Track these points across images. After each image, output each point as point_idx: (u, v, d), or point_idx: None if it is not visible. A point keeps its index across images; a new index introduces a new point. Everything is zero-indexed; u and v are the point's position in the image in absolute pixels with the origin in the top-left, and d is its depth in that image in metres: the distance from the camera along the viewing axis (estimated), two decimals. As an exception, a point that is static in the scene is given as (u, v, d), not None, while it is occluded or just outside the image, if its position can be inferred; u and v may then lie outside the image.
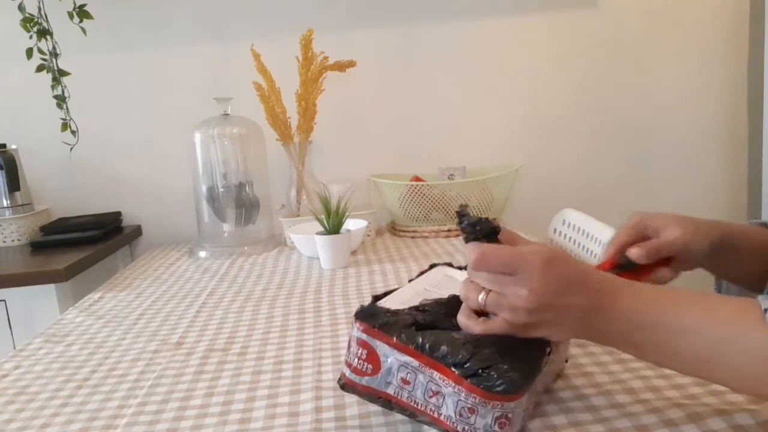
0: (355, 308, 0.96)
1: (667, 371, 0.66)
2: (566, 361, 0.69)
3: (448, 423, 0.53)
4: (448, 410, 0.54)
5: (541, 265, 0.53)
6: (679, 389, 0.62)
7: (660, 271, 0.68)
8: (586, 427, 0.56)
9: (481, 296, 0.55)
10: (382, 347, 0.57)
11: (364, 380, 0.58)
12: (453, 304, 0.61)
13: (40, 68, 1.48)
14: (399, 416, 0.61)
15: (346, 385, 0.60)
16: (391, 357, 0.57)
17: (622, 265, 0.67)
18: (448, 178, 1.52)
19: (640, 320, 0.53)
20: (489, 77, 1.67)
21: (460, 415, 0.53)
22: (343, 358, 0.61)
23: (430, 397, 0.55)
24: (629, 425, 0.56)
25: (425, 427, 0.58)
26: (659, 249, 0.67)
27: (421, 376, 0.55)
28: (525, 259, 0.53)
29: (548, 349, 0.58)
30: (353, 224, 1.33)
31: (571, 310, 0.53)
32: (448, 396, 0.53)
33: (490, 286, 0.55)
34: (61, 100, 1.51)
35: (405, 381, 0.56)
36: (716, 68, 1.68)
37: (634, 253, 0.67)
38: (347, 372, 0.59)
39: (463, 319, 0.57)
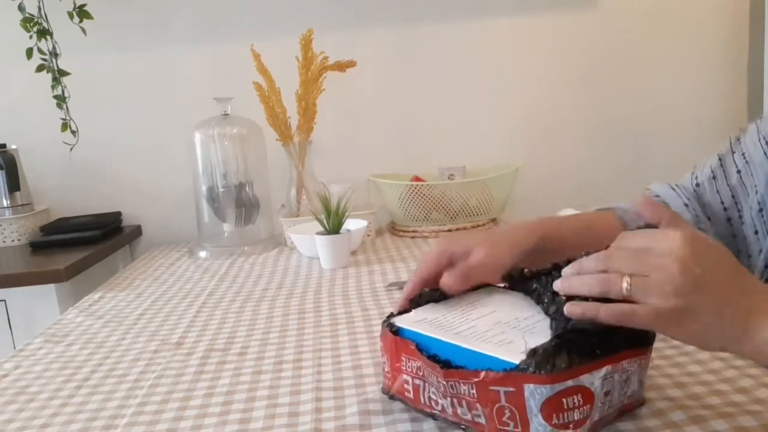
0: (354, 308, 0.96)
1: (669, 371, 0.66)
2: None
3: None
4: None
5: (684, 235, 0.48)
6: (681, 389, 0.62)
7: None
8: (587, 427, 0.56)
9: (625, 283, 0.48)
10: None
11: None
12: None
13: (40, 68, 1.48)
14: (399, 416, 0.61)
15: None
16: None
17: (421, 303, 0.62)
18: (448, 178, 1.52)
19: None
20: (489, 77, 1.67)
21: None
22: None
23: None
24: (633, 428, 0.56)
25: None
26: (468, 273, 0.63)
27: None
28: (664, 232, 0.49)
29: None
30: (353, 224, 1.33)
31: (730, 302, 0.47)
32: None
33: (633, 263, 0.49)
34: (61, 100, 1.50)
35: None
36: (716, 68, 1.68)
37: (445, 280, 0.62)
38: None
39: (612, 310, 0.49)
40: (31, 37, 1.48)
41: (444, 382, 0.53)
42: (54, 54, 1.49)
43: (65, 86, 1.51)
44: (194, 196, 1.48)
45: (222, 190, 1.45)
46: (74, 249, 1.39)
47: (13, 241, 1.52)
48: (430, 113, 1.67)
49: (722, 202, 0.79)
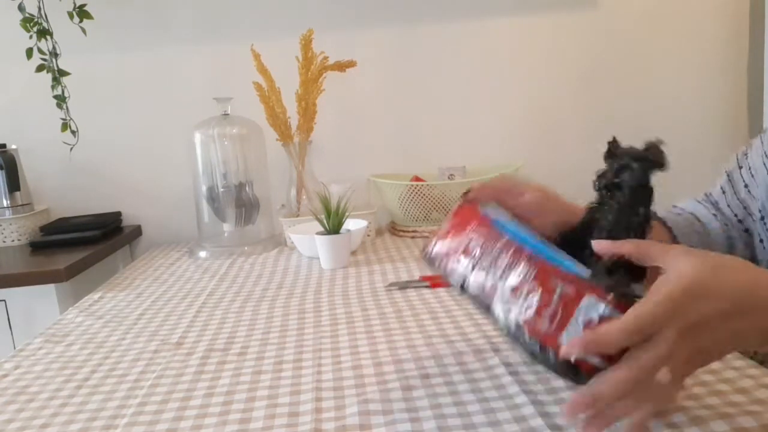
0: (354, 308, 0.96)
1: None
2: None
3: None
4: None
5: (684, 288, 0.46)
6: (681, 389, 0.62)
7: None
8: (587, 427, 0.56)
9: (664, 373, 0.45)
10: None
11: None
12: None
13: (40, 68, 1.48)
14: (399, 416, 0.61)
15: None
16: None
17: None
18: (448, 178, 1.52)
19: None
20: (489, 77, 1.67)
21: None
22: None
23: None
24: (630, 425, 0.56)
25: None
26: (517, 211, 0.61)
27: None
28: (656, 307, 0.45)
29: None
30: (353, 224, 1.33)
31: (744, 334, 0.47)
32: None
33: (674, 344, 0.45)
34: (61, 100, 1.50)
35: None
36: (716, 68, 1.68)
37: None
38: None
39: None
40: (31, 37, 1.48)
41: (506, 254, 0.53)
42: (54, 54, 1.49)
43: (65, 86, 1.51)
44: (194, 196, 1.48)
45: (222, 190, 1.45)
46: (74, 249, 1.39)
47: (13, 241, 1.52)
48: (430, 113, 1.67)
49: (736, 215, 0.81)
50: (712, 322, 0.46)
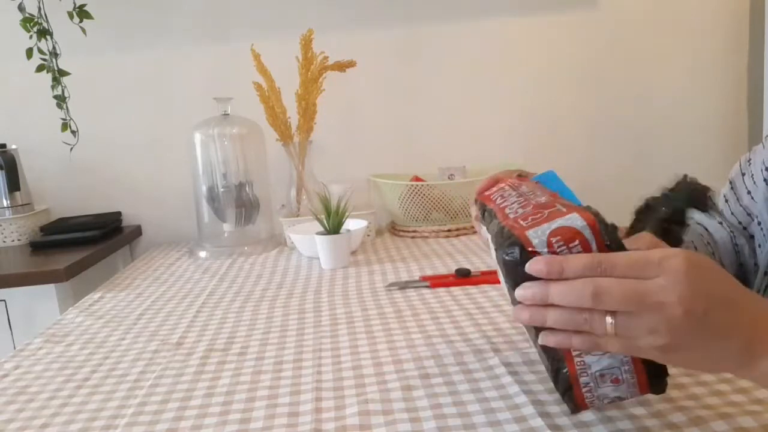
0: (354, 308, 0.96)
1: (670, 371, 0.66)
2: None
3: None
4: None
5: (688, 267, 0.42)
6: (681, 389, 0.62)
7: None
8: (590, 428, 0.56)
9: (609, 321, 0.44)
10: None
11: None
12: None
13: (40, 68, 1.48)
14: (399, 416, 0.61)
15: None
16: None
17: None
18: (448, 178, 1.52)
19: None
20: (489, 77, 1.67)
21: None
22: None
23: None
24: (631, 427, 0.56)
25: None
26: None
27: None
28: (665, 258, 0.43)
29: None
30: (353, 224, 1.33)
31: (729, 334, 0.44)
32: None
33: (626, 301, 0.43)
34: (61, 100, 1.50)
35: None
36: (716, 68, 1.68)
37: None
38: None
39: (575, 339, 0.47)
40: (31, 37, 1.48)
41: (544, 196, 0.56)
42: (54, 54, 1.49)
43: (65, 86, 1.51)
44: (194, 196, 1.48)
45: (222, 190, 1.45)
46: (74, 249, 1.39)
47: (13, 241, 1.52)
48: (430, 113, 1.67)
49: (740, 222, 0.81)
50: (696, 314, 0.43)
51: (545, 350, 0.51)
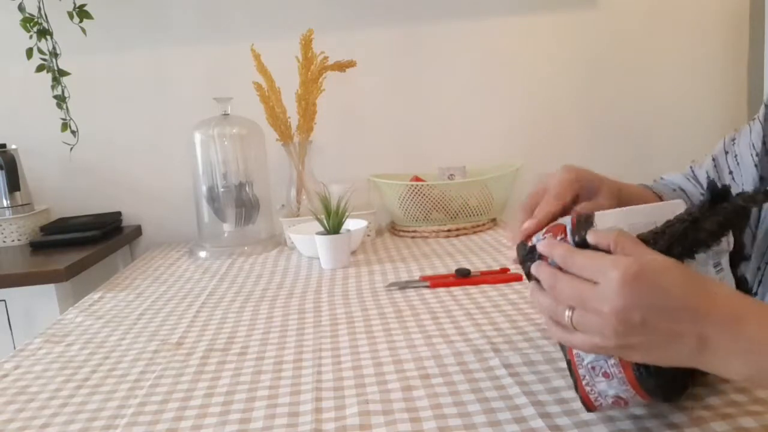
0: (354, 308, 0.96)
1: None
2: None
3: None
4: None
5: (623, 279, 0.45)
6: (680, 389, 0.62)
7: None
8: (590, 428, 0.56)
9: (567, 313, 0.50)
10: None
11: None
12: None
13: (40, 68, 1.48)
14: (399, 416, 0.61)
15: None
16: None
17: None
18: (448, 178, 1.52)
19: None
20: (489, 77, 1.67)
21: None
22: None
23: None
24: (632, 427, 0.56)
25: None
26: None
27: None
28: (606, 268, 0.47)
29: None
30: (353, 224, 1.33)
31: (678, 337, 0.46)
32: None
33: (572, 300, 0.49)
34: (61, 100, 1.50)
35: None
36: (716, 68, 1.68)
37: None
38: None
39: (553, 328, 0.52)
40: (31, 37, 1.48)
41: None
42: (54, 54, 1.49)
43: (65, 86, 1.51)
44: (194, 196, 1.48)
45: (222, 190, 1.45)
46: (74, 249, 1.39)
47: (13, 241, 1.52)
48: (430, 113, 1.67)
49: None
50: (631, 323, 0.46)
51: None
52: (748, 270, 0.73)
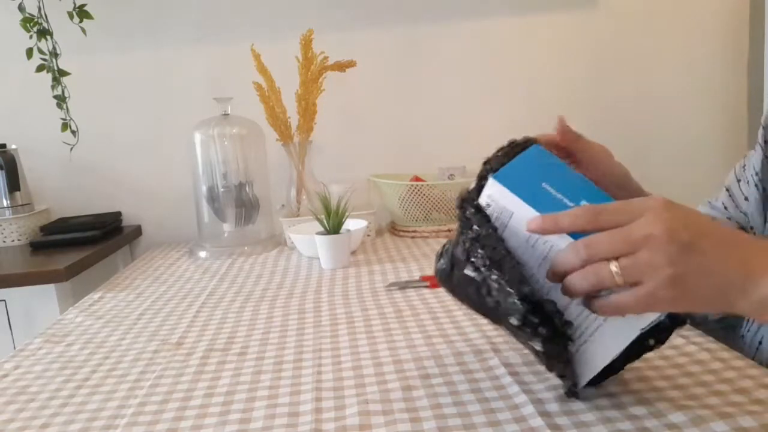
0: (354, 308, 0.96)
1: (668, 371, 0.66)
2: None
3: None
4: None
5: (663, 203, 0.47)
6: (681, 389, 0.62)
7: None
8: (590, 428, 0.56)
9: (614, 267, 0.47)
10: None
11: None
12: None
13: (40, 68, 1.48)
14: (399, 416, 0.61)
15: None
16: None
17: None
18: (448, 178, 1.52)
19: None
20: (489, 77, 1.67)
21: None
22: None
23: None
24: (632, 427, 0.56)
25: None
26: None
27: None
28: (645, 199, 0.48)
29: None
30: (353, 224, 1.33)
31: (726, 254, 0.46)
32: None
33: (615, 245, 0.47)
34: (61, 100, 1.50)
35: None
36: (716, 68, 1.68)
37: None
38: None
39: (596, 303, 0.50)
40: (31, 37, 1.48)
41: None
42: (54, 54, 1.49)
43: (65, 86, 1.51)
44: (194, 196, 1.48)
45: (222, 190, 1.45)
46: (74, 249, 1.39)
47: (13, 241, 1.52)
48: (430, 113, 1.67)
49: (742, 227, 0.80)
50: (689, 225, 0.46)
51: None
52: None
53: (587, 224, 0.49)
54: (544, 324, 0.52)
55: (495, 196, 0.58)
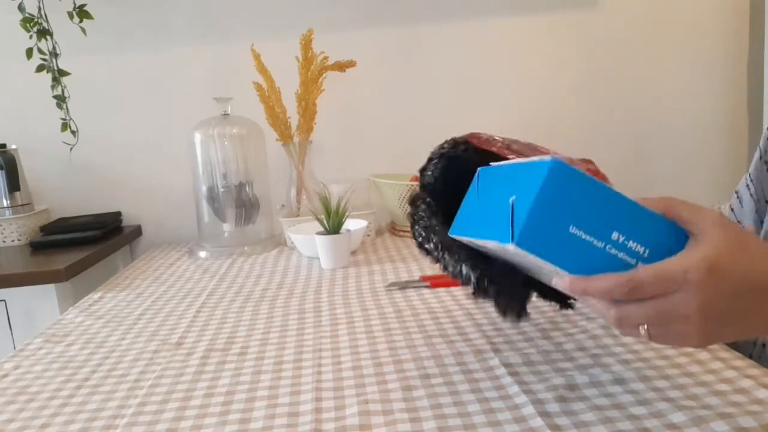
0: (354, 308, 0.96)
1: (668, 371, 0.66)
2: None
3: None
4: None
5: (707, 275, 0.46)
6: (681, 389, 0.62)
7: None
8: (589, 428, 0.56)
9: (642, 332, 0.49)
10: None
11: None
12: None
13: (40, 68, 1.48)
14: (399, 416, 0.61)
15: None
16: None
17: None
18: (449, 178, 1.51)
19: None
20: (489, 77, 1.67)
21: None
22: None
23: None
24: (632, 428, 0.56)
25: None
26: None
27: None
28: (687, 271, 0.46)
29: None
30: (353, 224, 1.33)
31: (754, 317, 0.47)
32: None
33: (647, 321, 0.48)
34: (61, 100, 1.50)
35: None
36: (716, 68, 1.68)
37: None
38: None
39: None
40: (31, 37, 1.48)
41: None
42: (54, 54, 1.49)
43: (65, 86, 1.51)
44: (194, 196, 1.48)
45: (222, 190, 1.45)
46: (74, 249, 1.39)
47: (13, 241, 1.52)
48: (430, 113, 1.67)
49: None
50: (727, 298, 0.47)
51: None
52: None
53: (619, 297, 0.49)
54: (493, 282, 0.60)
55: (511, 252, 0.53)
